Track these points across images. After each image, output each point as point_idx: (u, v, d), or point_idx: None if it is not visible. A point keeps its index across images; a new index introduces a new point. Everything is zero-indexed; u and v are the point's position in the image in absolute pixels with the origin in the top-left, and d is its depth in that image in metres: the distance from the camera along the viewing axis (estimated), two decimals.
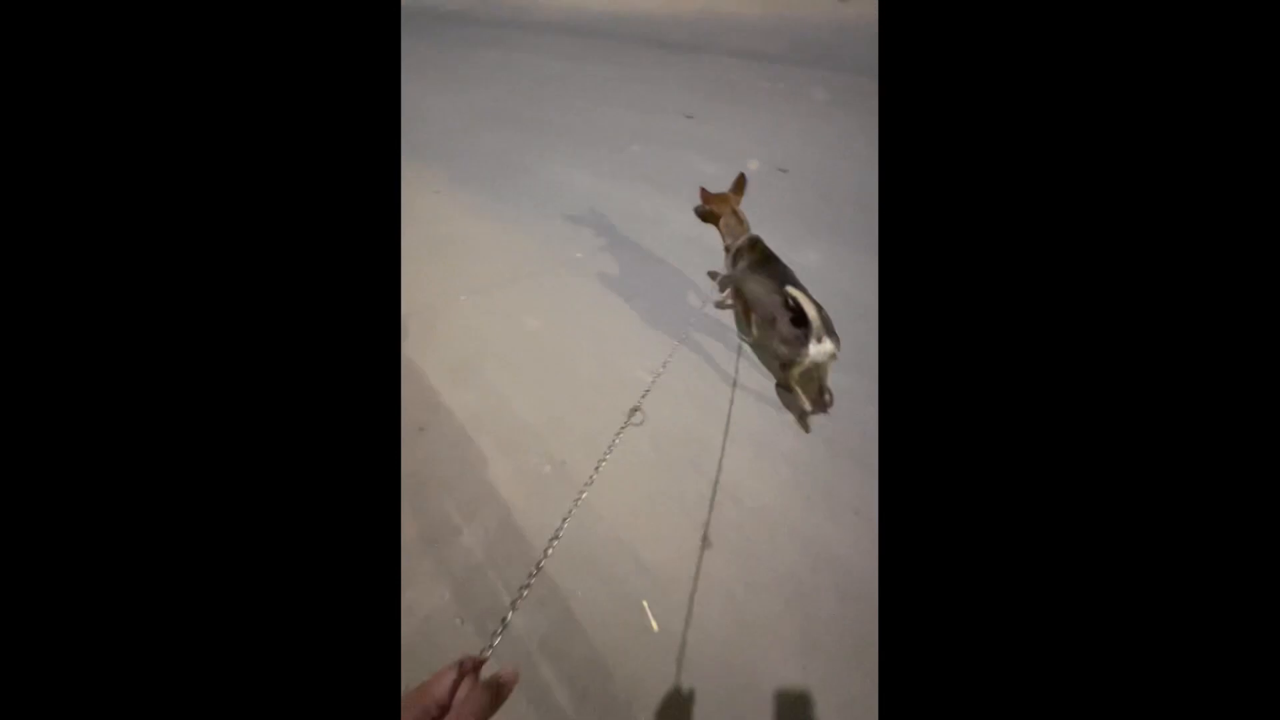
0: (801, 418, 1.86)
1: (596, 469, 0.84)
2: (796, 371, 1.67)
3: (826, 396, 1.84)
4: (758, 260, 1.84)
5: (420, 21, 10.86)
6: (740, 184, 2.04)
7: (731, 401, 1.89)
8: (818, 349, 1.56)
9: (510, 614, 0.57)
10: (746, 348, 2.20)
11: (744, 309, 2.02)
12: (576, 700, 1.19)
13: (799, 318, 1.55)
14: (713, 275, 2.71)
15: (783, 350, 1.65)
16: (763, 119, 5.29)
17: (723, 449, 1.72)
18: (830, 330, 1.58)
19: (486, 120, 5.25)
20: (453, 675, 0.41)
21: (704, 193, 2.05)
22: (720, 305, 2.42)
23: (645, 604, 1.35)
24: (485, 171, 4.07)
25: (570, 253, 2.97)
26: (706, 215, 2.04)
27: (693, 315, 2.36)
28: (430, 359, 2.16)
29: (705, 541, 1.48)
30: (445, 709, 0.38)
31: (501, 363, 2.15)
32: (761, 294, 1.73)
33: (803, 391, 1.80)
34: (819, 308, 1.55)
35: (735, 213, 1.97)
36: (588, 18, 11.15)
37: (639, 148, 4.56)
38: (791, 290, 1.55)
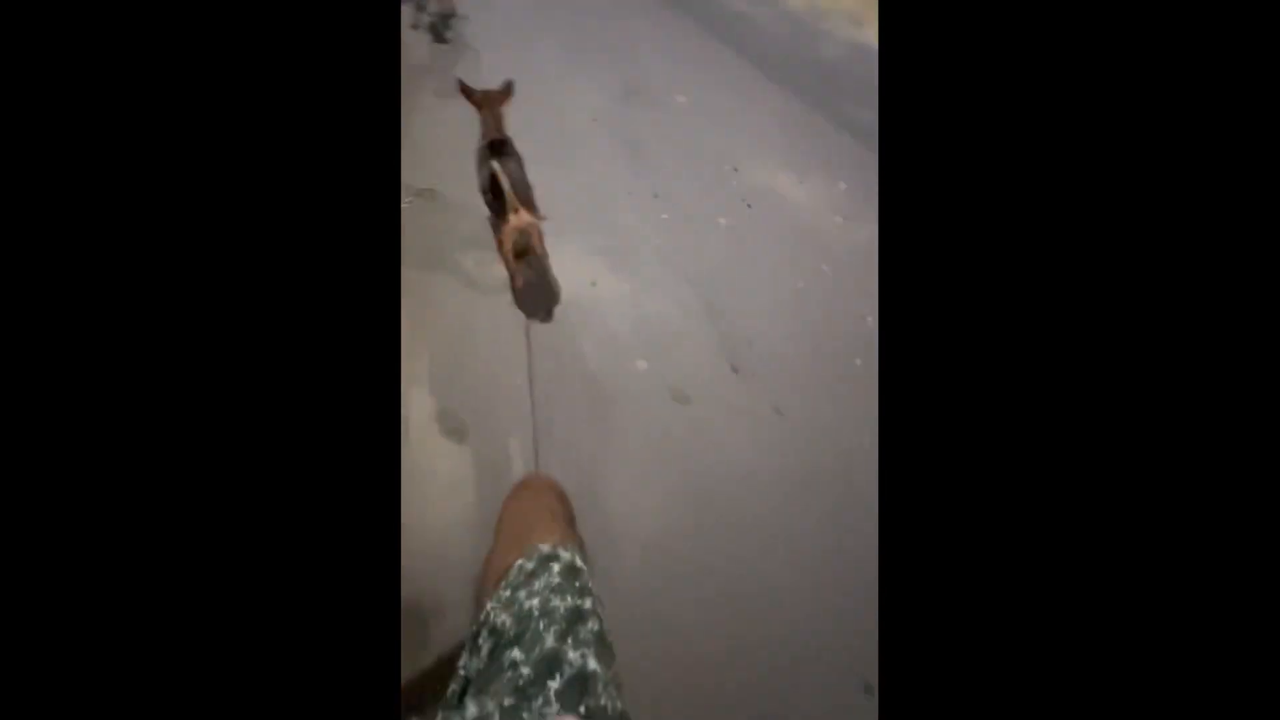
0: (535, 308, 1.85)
1: None
2: (506, 248, 1.69)
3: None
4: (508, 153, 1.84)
5: None
6: (508, 89, 1.98)
7: None
8: (515, 219, 1.61)
9: None
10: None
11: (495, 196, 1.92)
12: None
13: (497, 190, 1.61)
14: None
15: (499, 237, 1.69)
16: None
17: None
18: (529, 204, 1.64)
19: None
20: None
21: (463, 86, 1.96)
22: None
23: None
24: None
25: None
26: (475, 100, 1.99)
27: None
28: None
29: None
30: None
31: None
32: (517, 173, 1.76)
33: (515, 268, 1.76)
34: (522, 183, 1.61)
35: (496, 113, 1.94)
36: None
37: None
38: (495, 165, 1.61)
